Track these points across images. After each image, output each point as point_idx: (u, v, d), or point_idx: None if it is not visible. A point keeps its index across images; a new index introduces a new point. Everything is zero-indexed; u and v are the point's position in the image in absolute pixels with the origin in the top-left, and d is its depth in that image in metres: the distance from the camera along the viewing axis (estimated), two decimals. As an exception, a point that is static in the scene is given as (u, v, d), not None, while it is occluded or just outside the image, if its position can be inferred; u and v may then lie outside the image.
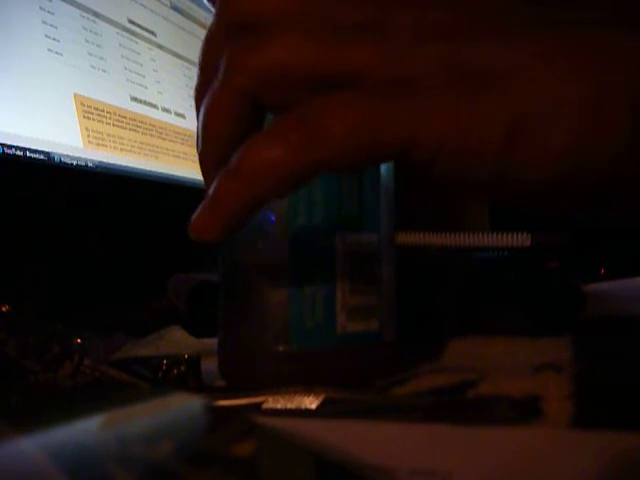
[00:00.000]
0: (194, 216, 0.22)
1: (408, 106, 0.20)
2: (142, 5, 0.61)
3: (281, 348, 0.28)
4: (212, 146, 0.23)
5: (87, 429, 0.19)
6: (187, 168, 0.61)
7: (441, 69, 0.20)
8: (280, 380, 0.26)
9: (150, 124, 0.57)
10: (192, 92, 0.25)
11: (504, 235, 0.41)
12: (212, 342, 0.32)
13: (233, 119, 0.22)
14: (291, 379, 0.26)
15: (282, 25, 0.21)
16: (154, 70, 0.60)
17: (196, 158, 0.24)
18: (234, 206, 0.21)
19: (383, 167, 0.30)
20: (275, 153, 0.20)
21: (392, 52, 0.21)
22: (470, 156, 0.20)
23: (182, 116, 0.61)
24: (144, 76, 0.58)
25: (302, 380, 0.26)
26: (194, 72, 0.27)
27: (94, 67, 0.53)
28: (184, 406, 0.21)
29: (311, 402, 0.24)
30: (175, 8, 0.66)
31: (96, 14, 0.54)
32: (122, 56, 0.57)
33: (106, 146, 0.51)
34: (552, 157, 0.19)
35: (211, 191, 0.21)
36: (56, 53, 0.49)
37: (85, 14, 0.53)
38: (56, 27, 0.49)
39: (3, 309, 0.27)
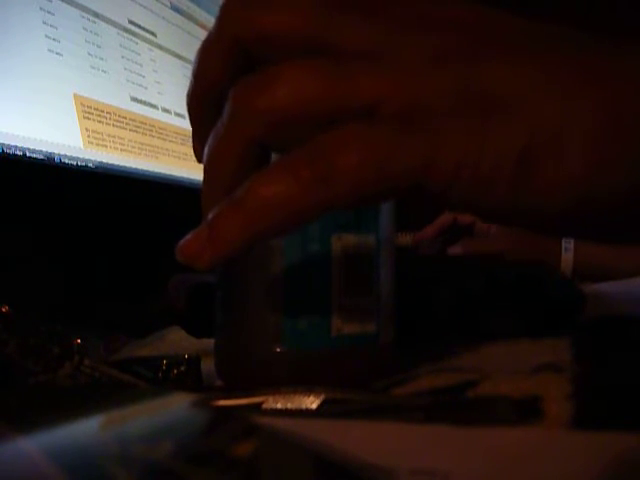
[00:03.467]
0: (187, 240, 0.21)
1: (419, 138, 0.19)
2: (142, 6, 0.61)
3: (276, 349, 0.28)
4: (217, 189, 0.22)
5: (87, 429, 0.19)
6: (187, 168, 0.61)
7: (451, 96, 0.20)
8: (276, 381, 0.26)
9: (150, 124, 0.57)
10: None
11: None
12: (212, 342, 0.32)
13: (239, 164, 0.22)
14: (287, 380, 0.26)
15: (287, 54, 0.21)
16: (154, 71, 0.60)
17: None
18: (235, 239, 0.20)
19: None
20: (283, 189, 0.20)
21: (402, 81, 0.20)
22: (483, 185, 0.19)
23: (182, 116, 0.61)
24: (144, 76, 0.58)
25: (298, 381, 0.26)
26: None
27: (94, 67, 0.53)
28: (184, 406, 0.21)
29: (311, 402, 0.24)
30: (175, 9, 0.66)
31: (96, 14, 0.54)
32: (122, 56, 0.57)
33: (106, 146, 0.51)
34: (564, 186, 0.19)
35: (211, 219, 0.20)
36: (56, 53, 0.49)
37: (85, 14, 0.53)
38: (56, 27, 0.49)
39: (3, 309, 0.27)
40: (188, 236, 0.21)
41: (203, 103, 0.23)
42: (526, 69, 0.20)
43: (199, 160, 0.24)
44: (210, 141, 0.22)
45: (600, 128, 0.19)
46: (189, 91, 0.23)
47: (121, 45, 0.57)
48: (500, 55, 0.20)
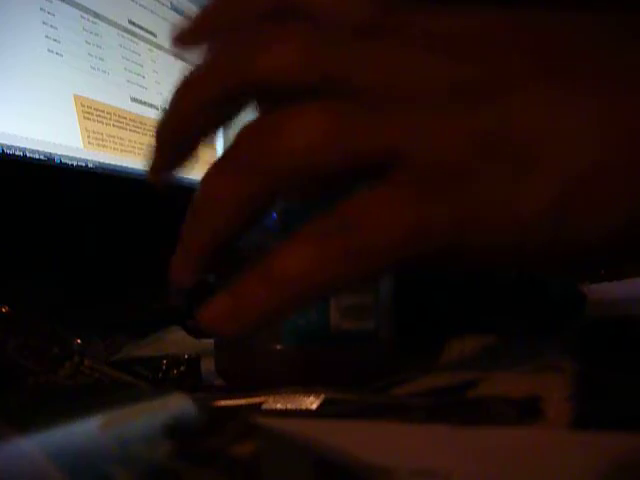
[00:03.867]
0: (209, 309, 0.20)
1: (445, 207, 0.18)
2: (142, 6, 0.61)
3: (276, 347, 0.28)
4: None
5: (87, 429, 0.19)
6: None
7: (474, 147, 0.18)
8: (276, 378, 0.26)
9: (150, 125, 0.57)
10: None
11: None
12: (212, 342, 0.32)
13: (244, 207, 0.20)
14: (287, 377, 0.26)
15: (290, 96, 0.19)
16: (154, 71, 0.60)
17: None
18: (259, 311, 0.19)
19: None
20: (312, 265, 0.19)
21: (415, 133, 0.18)
22: (519, 245, 0.19)
23: (182, 117, 0.61)
24: (144, 77, 0.58)
25: (298, 378, 0.26)
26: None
27: (94, 68, 0.53)
28: (184, 406, 0.21)
29: (311, 402, 0.24)
30: (175, 9, 0.66)
31: (96, 15, 0.54)
32: (122, 57, 0.57)
33: (106, 147, 0.51)
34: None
35: (235, 288, 0.20)
36: (56, 54, 0.49)
37: (85, 15, 0.53)
38: (56, 28, 0.49)
39: (3, 309, 0.27)
40: (210, 304, 0.20)
41: (176, 139, 0.22)
42: (558, 108, 0.18)
43: (152, 181, 0.23)
44: (215, 176, 0.21)
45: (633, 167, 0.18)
46: (162, 121, 0.22)
47: (121, 45, 0.57)
48: (529, 87, 0.18)
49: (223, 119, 0.22)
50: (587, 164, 0.18)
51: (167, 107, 0.22)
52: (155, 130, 0.23)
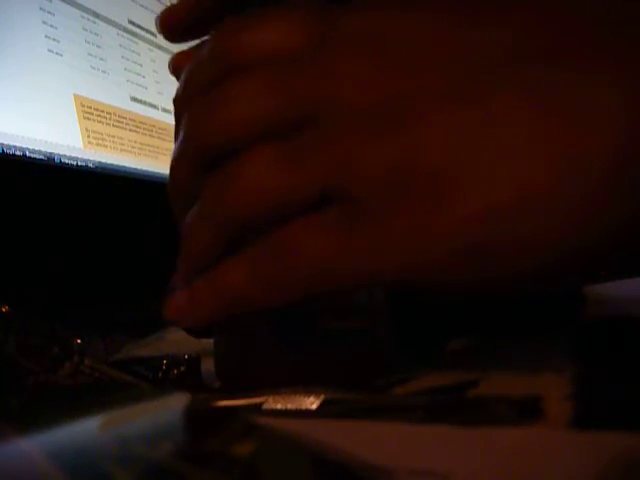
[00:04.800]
0: (171, 304, 0.25)
1: (363, 243, 0.19)
2: (142, 6, 0.61)
3: (269, 346, 0.28)
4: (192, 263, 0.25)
5: (87, 429, 0.19)
6: (187, 168, 0.61)
7: (387, 183, 0.18)
8: (270, 378, 0.26)
9: (150, 125, 0.57)
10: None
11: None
12: (212, 342, 0.32)
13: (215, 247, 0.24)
14: (286, 377, 0.26)
15: (249, 143, 0.21)
16: (154, 71, 0.60)
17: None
18: (206, 309, 0.25)
19: None
20: (244, 282, 0.23)
21: (339, 164, 0.19)
22: (441, 280, 0.20)
23: (182, 117, 0.61)
24: (144, 77, 0.58)
25: (297, 378, 0.26)
26: (194, 72, 0.27)
27: (94, 68, 0.53)
28: (184, 406, 0.21)
29: (311, 402, 0.24)
30: (175, 9, 0.66)
31: (96, 15, 0.54)
32: (122, 57, 0.56)
33: (106, 147, 0.51)
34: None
35: (189, 289, 0.24)
36: (56, 54, 0.49)
37: (85, 15, 0.53)
38: (56, 28, 0.49)
39: (3, 309, 0.27)
40: (171, 300, 0.25)
41: (183, 201, 0.25)
42: (475, 130, 0.17)
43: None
44: (188, 222, 0.24)
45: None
46: (169, 187, 0.26)
47: (121, 45, 0.57)
48: (445, 108, 0.17)
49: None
50: (509, 194, 0.17)
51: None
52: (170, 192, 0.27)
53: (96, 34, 0.54)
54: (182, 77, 0.25)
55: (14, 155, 0.42)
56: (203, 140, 0.22)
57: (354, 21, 0.20)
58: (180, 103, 0.25)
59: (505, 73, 0.17)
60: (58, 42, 0.49)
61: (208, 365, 0.30)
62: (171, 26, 0.27)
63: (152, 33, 0.61)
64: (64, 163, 0.46)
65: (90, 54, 0.52)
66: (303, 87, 0.20)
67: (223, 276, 0.23)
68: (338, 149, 0.19)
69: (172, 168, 0.25)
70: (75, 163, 0.47)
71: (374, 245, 0.19)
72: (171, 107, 0.26)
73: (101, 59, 0.54)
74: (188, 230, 0.24)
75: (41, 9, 0.48)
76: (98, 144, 0.50)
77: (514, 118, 0.17)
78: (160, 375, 0.28)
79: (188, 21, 0.26)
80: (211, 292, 0.23)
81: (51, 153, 0.45)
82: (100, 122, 0.51)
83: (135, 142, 0.55)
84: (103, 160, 0.50)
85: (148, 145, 0.57)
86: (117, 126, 0.53)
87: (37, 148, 0.44)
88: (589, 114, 0.16)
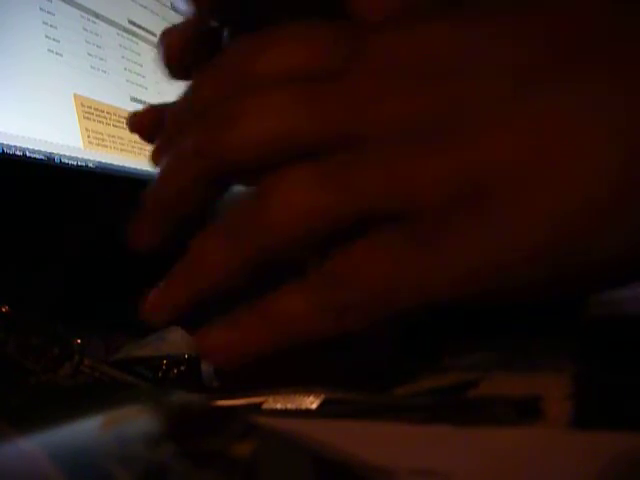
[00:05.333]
0: (210, 338, 0.22)
1: (418, 262, 0.18)
2: (142, 6, 0.61)
3: None
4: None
5: (87, 429, 0.19)
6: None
7: (451, 197, 0.18)
8: (270, 378, 0.26)
9: (150, 125, 0.57)
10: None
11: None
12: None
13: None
14: (285, 377, 0.26)
15: (270, 165, 0.20)
16: (154, 71, 0.60)
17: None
18: (257, 345, 0.21)
19: None
20: (303, 313, 0.20)
21: (388, 184, 0.18)
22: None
23: (182, 117, 0.61)
24: (144, 77, 0.58)
25: (296, 378, 0.26)
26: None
27: (94, 68, 0.53)
28: (184, 406, 0.21)
29: (311, 402, 0.24)
30: (175, 9, 0.66)
31: (96, 15, 0.54)
32: (122, 57, 0.56)
33: (106, 147, 0.51)
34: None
35: (235, 322, 0.21)
36: (56, 54, 0.49)
37: (85, 15, 0.53)
38: (56, 28, 0.49)
39: (3, 309, 0.27)
40: (209, 333, 0.22)
41: (173, 210, 0.24)
42: (522, 146, 0.17)
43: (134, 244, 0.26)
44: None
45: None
46: (157, 191, 0.25)
47: (121, 45, 0.57)
48: (497, 122, 0.17)
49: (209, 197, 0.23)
50: (577, 200, 0.17)
51: (156, 185, 0.25)
52: (145, 198, 0.25)
53: (96, 34, 0.54)
54: (190, 87, 0.24)
55: (14, 155, 0.42)
56: (222, 155, 0.21)
57: (387, 38, 0.19)
58: (185, 113, 0.24)
59: (546, 78, 0.18)
60: (58, 42, 0.49)
61: (208, 365, 0.30)
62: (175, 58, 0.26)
63: (152, 33, 0.61)
64: (64, 163, 0.46)
65: (90, 54, 0.52)
66: (341, 106, 0.19)
67: (278, 307, 0.20)
68: (392, 168, 0.18)
69: (171, 177, 0.23)
70: (75, 163, 0.47)
71: (446, 261, 0.18)
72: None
73: (101, 59, 0.54)
74: (202, 249, 0.22)
75: (41, 9, 0.48)
76: (98, 144, 0.50)
77: (567, 128, 0.17)
78: (160, 375, 0.28)
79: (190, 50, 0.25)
80: (263, 325, 0.21)
81: (51, 153, 0.45)
82: (100, 122, 0.51)
83: (135, 142, 0.55)
84: (103, 160, 0.50)
85: (148, 145, 0.56)
86: (117, 126, 0.53)
87: (37, 148, 0.44)
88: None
